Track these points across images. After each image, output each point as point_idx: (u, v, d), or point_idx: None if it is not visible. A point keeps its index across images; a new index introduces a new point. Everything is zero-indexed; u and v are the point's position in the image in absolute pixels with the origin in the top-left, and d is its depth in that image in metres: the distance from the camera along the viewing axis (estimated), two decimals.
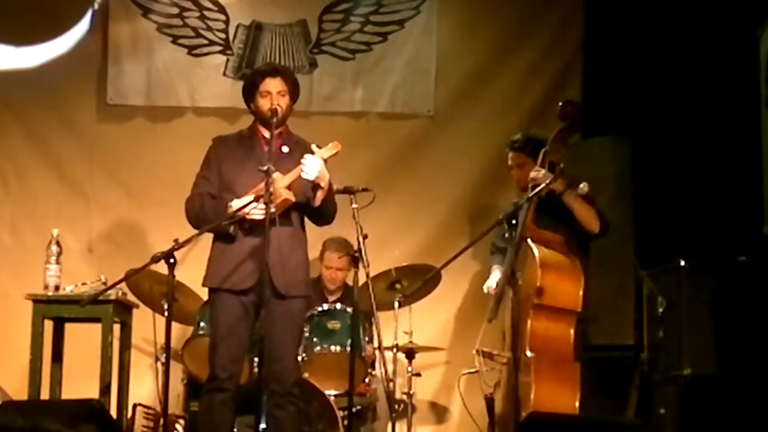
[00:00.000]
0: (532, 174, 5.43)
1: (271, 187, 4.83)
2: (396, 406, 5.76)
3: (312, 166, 4.98)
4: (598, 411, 5.48)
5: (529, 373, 5.12)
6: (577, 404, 5.13)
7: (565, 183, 5.49)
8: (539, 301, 5.22)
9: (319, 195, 5.05)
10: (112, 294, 5.61)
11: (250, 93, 5.21)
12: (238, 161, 5.17)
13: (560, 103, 5.52)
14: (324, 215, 5.18)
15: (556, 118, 5.50)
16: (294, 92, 5.24)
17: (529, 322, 5.21)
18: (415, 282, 5.92)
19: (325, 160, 5.03)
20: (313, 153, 5.04)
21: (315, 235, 5.51)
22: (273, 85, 5.15)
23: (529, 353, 5.16)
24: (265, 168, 4.84)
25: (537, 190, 5.27)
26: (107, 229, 6.99)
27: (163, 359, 5.51)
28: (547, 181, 5.29)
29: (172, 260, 4.92)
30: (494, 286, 5.75)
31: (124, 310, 5.96)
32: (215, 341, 5.08)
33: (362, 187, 5.45)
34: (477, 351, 5.39)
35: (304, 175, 4.99)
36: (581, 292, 5.29)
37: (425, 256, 6.58)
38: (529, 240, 5.33)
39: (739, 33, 6.05)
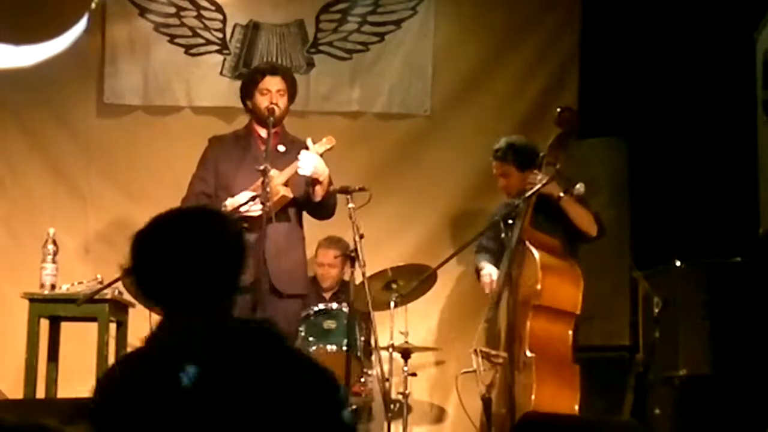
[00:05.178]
0: (530, 178, 5.43)
1: (268, 186, 4.84)
2: (392, 406, 5.76)
3: (308, 162, 4.99)
4: (593, 412, 5.48)
5: (529, 374, 5.11)
6: (576, 407, 5.13)
7: (562, 187, 5.51)
8: (539, 302, 5.22)
9: (318, 190, 5.05)
10: (108, 293, 5.60)
11: (248, 91, 5.22)
12: (234, 160, 5.18)
13: (558, 110, 5.53)
14: (325, 210, 5.19)
15: (552, 123, 5.52)
16: (292, 92, 5.26)
17: (528, 323, 5.20)
18: (411, 282, 5.92)
19: (321, 155, 5.03)
20: (308, 149, 5.05)
21: (312, 234, 5.52)
22: (273, 83, 5.17)
23: (529, 353, 5.16)
24: (262, 167, 4.85)
25: (532, 191, 5.29)
26: (104, 229, 6.98)
27: None
28: (542, 184, 5.31)
29: None
30: (495, 276, 5.71)
31: (120, 309, 5.95)
32: None
33: (359, 187, 5.45)
34: (475, 350, 5.39)
35: (300, 171, 5.00)
36: (581, 296, 5.29)
37: (421, 255, 6.57)
38: (527, 242, 5.33)
39: (736, 34, 6.05)
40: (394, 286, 6.13)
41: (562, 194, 5.48)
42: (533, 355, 5.15)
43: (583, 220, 5.55)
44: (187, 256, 2.61)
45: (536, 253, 5.28)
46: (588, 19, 6.97)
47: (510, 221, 5.31)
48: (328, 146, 5.06)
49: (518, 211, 5.36)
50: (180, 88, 7.10)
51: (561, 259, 5.39)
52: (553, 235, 5.47)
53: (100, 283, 5.58)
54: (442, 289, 6.48)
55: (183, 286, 2.60)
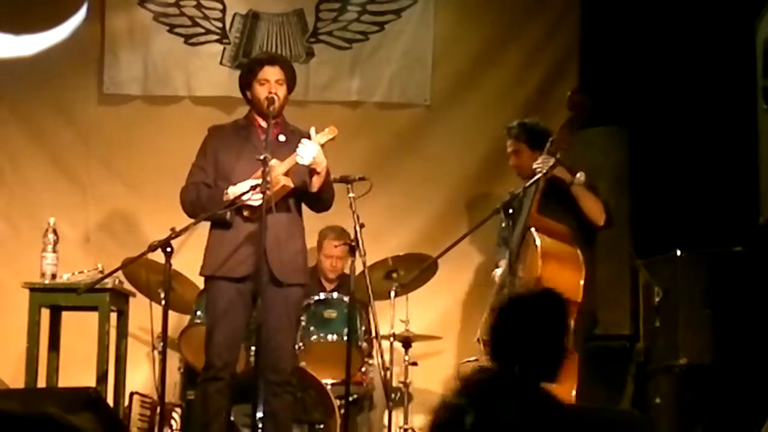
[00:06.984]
0: (539, 161, 5.41)
1: (269, 175, 4.83)
2: (393, 395, 5.76)
3: (307, 152, 4.98)
4: (593, 401, 5.48)
5: None
6: (573, 394, 5.13)
7: (571, 173, 5.48)
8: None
9: (316, 180, 5.05)
10: (108, 282, 5.60)
11: (247, 81, 5.21)
12: (234, 150, 5.17)
13: (569, 93, 5.50)
14: (321, 201, 5.18)
15: (556, 108, 5.52)
16: (291, 82, 5.24)
17: None
18: (412, 271, 5.92)
19: (322, 145, 5.03)
20: (310, 138, 5.04)
21: (312, 224, 5.51)
22: (271, 73, 5.15)
23: None
24: (262, 157, 4.84)
25: (535, 178, 5.27)
26: (104, 218, 6.99)
27: (159, 348, 5.51)
28: (546, 169, 5.29)
29: (168, 249, 4.93)
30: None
31: (120, 298, 5.95)
32: (211, 329, 5.08)
33: (359, 177, 5.45)
34: (479, 339, 5.38)
35: (299, 160, 4.99)
36: (581, 282, 5.26)
37: (422, 245, 6.58)
38: (532, 229, 5.31)
39: (736, 23, 6.05)
40: (394, 275, 6.14)
41: (574, 179, 5.45)
42: None
43: (593, 208, 5.52)
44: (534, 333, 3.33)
45: (538, 240, 5.26)
46: (588, 8, 6.97)
47: (510, 211, 5.28)
48: (331, 136, 5.06)
49: (520, 200, 5.34)
50: (180, 78, 7.09)
51: (565, 245, 5.35)
52: (561, 221, 5.44)
53: (101, 272, 5.59)
54: (443, 278, 6.47)
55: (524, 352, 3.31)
